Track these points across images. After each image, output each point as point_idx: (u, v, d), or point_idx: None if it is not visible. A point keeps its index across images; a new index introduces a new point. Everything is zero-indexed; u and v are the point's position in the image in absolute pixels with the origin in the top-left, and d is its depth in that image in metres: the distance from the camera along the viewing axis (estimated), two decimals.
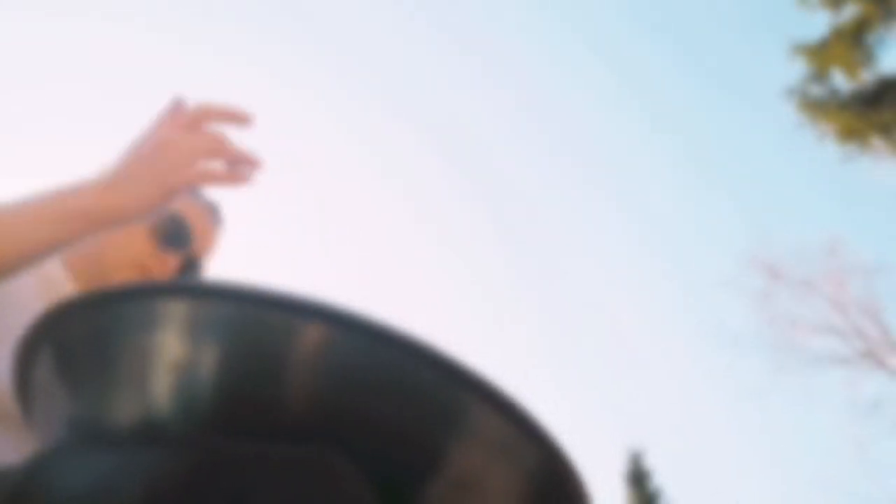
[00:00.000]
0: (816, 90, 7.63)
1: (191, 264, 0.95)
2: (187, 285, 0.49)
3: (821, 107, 7.54)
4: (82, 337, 0.51)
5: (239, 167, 0.70)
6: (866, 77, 7.41)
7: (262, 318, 0.47)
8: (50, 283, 0.89)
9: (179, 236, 0.95)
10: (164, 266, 0.93)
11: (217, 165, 0.71)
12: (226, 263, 1.05)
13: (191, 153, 0.67)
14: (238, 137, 0.73)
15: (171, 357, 0.47)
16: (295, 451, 0.45)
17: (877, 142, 7.44)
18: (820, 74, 7.58)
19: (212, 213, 1.02)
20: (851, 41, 7.32)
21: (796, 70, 7.70)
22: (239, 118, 0.71)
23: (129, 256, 0.92)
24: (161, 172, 0.66)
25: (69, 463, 0.47)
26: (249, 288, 0.48)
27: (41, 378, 0.55)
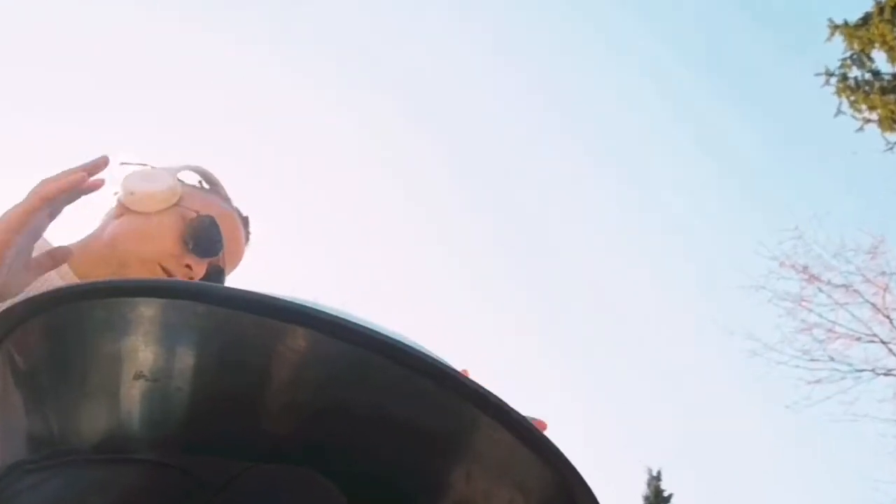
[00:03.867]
0: (857, 73, 7.56)
1: (215, 274, 0.94)
2: (158, 283, 0.48)
3: (862, 91, 7.47)
4: (41, 340, 0.50)
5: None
6: None
7: (240, 322, 0.45)
8: (44, 280, 0.87)
9: (211, 243, 0.93)
10: (188, 272, 0.92)
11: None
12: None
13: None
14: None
15: (138, 365, 0.46)
16: (275, 470, 0.44)
17: None
18: (861, 55, 7.50)
19: (244, 225, 1.01)
20: (895, 18, 7.23)
21: (835, 50, 7.64)
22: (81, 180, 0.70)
23: (151, 254, 0.91)
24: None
25: (25, 482, 0.46)
26: (227, 289, 0.47)
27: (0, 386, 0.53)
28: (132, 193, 0.92)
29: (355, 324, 0.45)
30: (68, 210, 0.74)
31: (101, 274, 0.91)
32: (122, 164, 0.96)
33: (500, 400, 0.46)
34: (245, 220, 1.02)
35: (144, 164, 0.96)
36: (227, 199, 1.01)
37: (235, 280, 1.02)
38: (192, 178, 1.01)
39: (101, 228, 0.96)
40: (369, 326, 0.45)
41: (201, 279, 0.93)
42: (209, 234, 0.93)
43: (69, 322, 0.48)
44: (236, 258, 1.00)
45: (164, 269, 0.91)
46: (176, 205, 0.94)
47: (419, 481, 0.47)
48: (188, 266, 0.92)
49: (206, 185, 1.01)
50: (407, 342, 0.46)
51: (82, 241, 0.97)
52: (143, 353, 0.46)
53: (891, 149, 7.43)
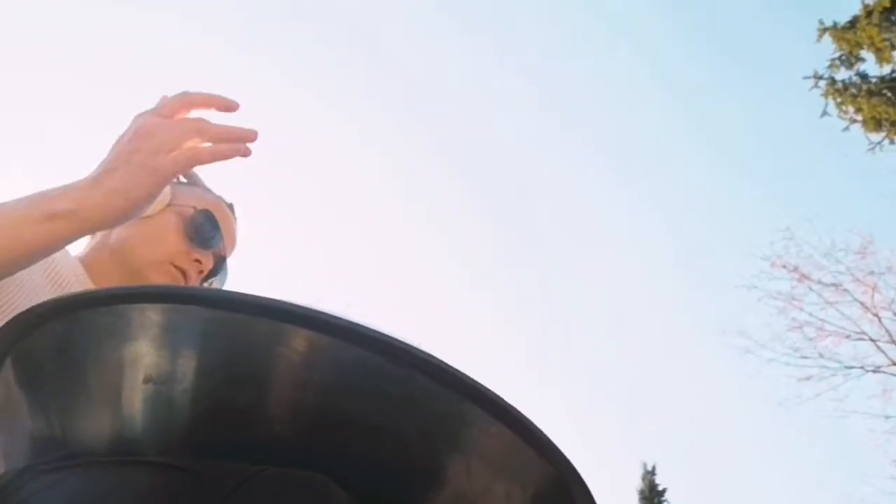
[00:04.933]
0: (844, 74, 7.63)
1: (220, 262, 0.97)
2: (163, 289, 0.49)
3: (849, 93, 7.53)
4: (49, 346, 0.50)
5: (232, 143, 0.71)
6: None
7: (245, 326, 0.46)
8: (63, 285, 0.89)
9: (212, 234, 0.96)
10: (199, 265, 0.94)
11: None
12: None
13: (171, 137, 0.68)
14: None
15: (145, 368, 0.46)
16: (284, 474, 0.44)
17: None
18: (849, 56, 7.57)
19: (231, 211, 1.03)
20: (883, 21, 7.30)
21: (824, 52, 7.71)
22: (221, 105, 0.72)
23: (161, 256, 0.93)
24: (144, 161, 0.67)
25: (31, 486, 0.46)
26: (231, 293, 0.47)
27: (4, 391, 0.54)
28: None
29: (357, 325, 0.45)
30: None
31: (118, 279, 0.93)
32: None
33: (499, 397, 0.47)
34: (231, 207, 1.05)
35: None
36: (208, 189, 1.04)
37: (239, 281, 1.05)
38: None
39: (106, 235, 0.97)
40: (370, 328, 0.46)
41: (210, 269, 0.96)
42: (209, 227, 0.96)
43: (78, 329, 0.49)
44: (233, 244, 1.03)
45: (177, 268, 0.93)
46: (170, 204, 0.96)
47: (420, 476, 0.47)
48: (197, 260, 0.94)
49: (183, 180, 1.03)
50: (407, 342, 0.46)
51: (91, 248, 0.98)
52: (150, 358, 0.46)
53: (872, 149, 7.51)
